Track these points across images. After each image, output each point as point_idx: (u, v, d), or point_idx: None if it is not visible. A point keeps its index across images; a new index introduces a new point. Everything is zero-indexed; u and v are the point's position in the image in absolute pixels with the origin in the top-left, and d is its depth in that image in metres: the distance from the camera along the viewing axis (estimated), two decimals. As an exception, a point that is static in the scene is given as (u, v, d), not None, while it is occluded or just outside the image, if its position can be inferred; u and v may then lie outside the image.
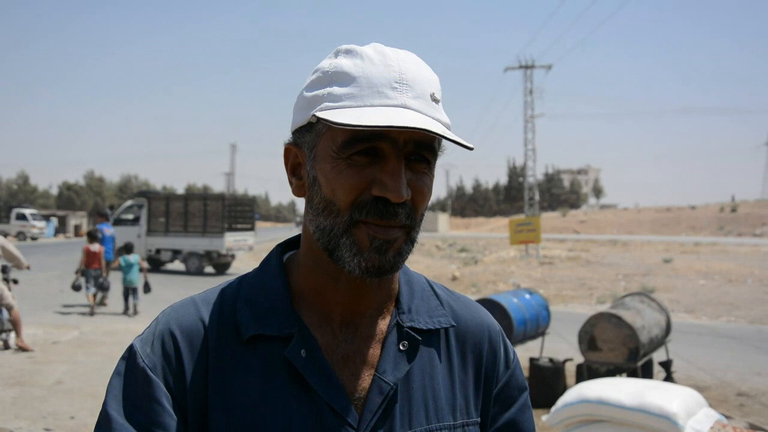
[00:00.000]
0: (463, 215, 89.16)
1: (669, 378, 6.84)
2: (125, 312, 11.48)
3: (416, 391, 0.88)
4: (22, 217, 38.55)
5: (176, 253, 20.06)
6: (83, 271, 11.23)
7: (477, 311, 1.00)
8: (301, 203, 0.96)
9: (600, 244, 37.35)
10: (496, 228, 62.41)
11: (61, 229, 46.92)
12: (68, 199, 70.26)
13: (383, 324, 0.91)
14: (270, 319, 0.86)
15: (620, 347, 5.99)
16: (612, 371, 5.96)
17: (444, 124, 0.82)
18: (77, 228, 48.27)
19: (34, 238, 38.13)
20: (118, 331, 9.59)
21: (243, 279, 0.94)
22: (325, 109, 0.80)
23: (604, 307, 10.43)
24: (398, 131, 0.79)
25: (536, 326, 8.18)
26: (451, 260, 27.45)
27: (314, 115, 0.81)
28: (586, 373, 6.06)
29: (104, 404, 0.83)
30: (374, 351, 0.88)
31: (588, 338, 6.14)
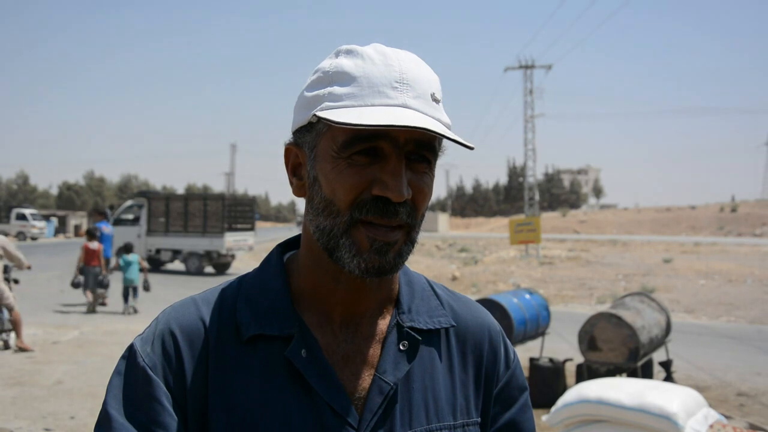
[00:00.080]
0: (463, 215, 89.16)
1: (669, 378, 6.84)
2: (125, 312, 11.50)
3: (416, 391, 0.88)
4: (22, 217, 38.56)
5: (176, 253, 20.06)
6: (82, 269, 11.27)
7: (477, 311, 1.00)
8: (301, 203, 0.96)
9: (600, 244, 37.35)
10: (496, 228, 62.40)
11: (61, 229, 46.93)
12: (68, 199, 70.28)
13: (383, 324, 0.91)
14: (270, 319, 0.86)
15: (620, 347, 5.99)
16: (612, 371, 5.96)
17: (444, 124, 0.82)
18: (77, 228, 48.23)
19: (34, 238, 38.13)
20: (118, 331, 9.59)
21: (243, 279, 0.94)
22: (325, 109, 0.80)
23: (604, 307, 10.43)
24: (399, 131, 0.79)
25: (536, 326, 8.18)
26: (451, 260, 27.46)
27: (315, 115, 0.81)
28: (586, 373, 6.06)
29: (104, 403, 0.83)
30: (374, 351, 0.88)
31: (588, 338, 6.14)
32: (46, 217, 43.90)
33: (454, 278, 19.20)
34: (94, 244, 11.40)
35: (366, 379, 0.86)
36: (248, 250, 21.69)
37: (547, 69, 36.47)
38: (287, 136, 0.91)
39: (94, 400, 5.93)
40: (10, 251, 7.92)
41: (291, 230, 56.78)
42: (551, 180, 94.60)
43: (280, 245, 0.98)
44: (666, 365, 6.97)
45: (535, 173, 35.96)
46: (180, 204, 20.11)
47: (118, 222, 20.06)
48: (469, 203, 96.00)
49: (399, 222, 0.81)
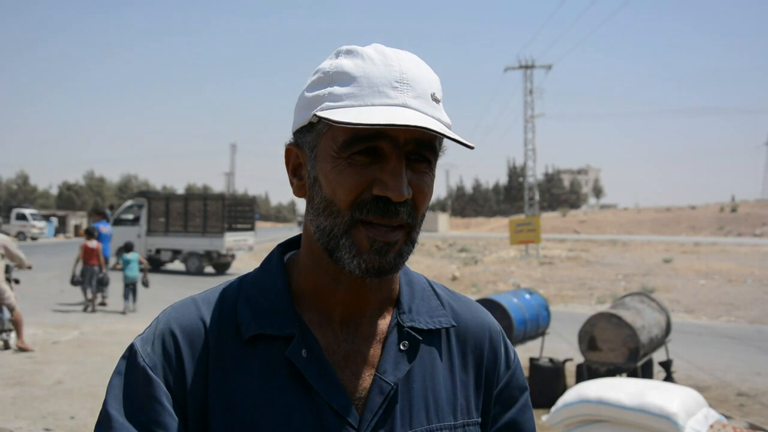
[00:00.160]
0: (463, 215, 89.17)
1: (669, 378, 6.84)
2: (125, 309, 11.55)
3: (417, 391, 0.88)
4: (22, 217, 38.52)
5: (176, 253, 20.06)
6: (83, 269, 11.33)
7: (478, 311, 1.00)
8: (301, 203, 0.96)
9: (600, 244, 37.35)
10: (496, 228, 62.40)
11: (61, 229, 46.90)
12: (68, 199, 70.26)
13: (384, 324, 0.91)
14: (271, 319, 0.86)
15: (620, 347, 5.99)
16: (612, 371, 5.96)
17: (445, 123, 0.82)
18: (77, 228, 48.21)
19: (34, 238, 38.10)
20: (118, 331, 9.59)
21: (244, 279, 0.94)
22: (325, 109, 0.80)
23: (604, 307, 10.43)
24: (398, 130, 0.79)
25: (536, 326, 8.18)
26: (451, 260, 27.46)
27: (315, 115, 0.81)
28: (586, 373, 6.06)
29: (104, 403, 0.83)
30: (375, 351, 0.88)
31: (588, 338, 6.15)
32: (46, 217, 43.88)
33: (454, 278, 19.21)
34: (93, 243, 11.47)
35: (366, 379, 0.86)
36: (248, 250, 21.69)
37: (547, 69, 36.48)
38: (287, 136, 0.92)
39: (94, 400, 5.93)
40: (12, 250, 7.92)
41: (291, 230, 56.77)
42: (551, 180, 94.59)
43: (280, 245, 0.98)
44: (666, 365, 6.97)
45: (535, 173, 35.97)
46: (180, 204, 20.11)
47: (118, 222, 20.08)
48: (469, 203, 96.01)
49: (399, 222, 0.81)
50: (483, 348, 0.97)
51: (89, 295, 11.58)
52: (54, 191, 76.22)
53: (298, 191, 0.90)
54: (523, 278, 19.13)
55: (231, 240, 19.66)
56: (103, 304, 12.20)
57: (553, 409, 3.96)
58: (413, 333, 0.90)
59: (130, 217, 20.54)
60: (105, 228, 12.78)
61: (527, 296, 8.46)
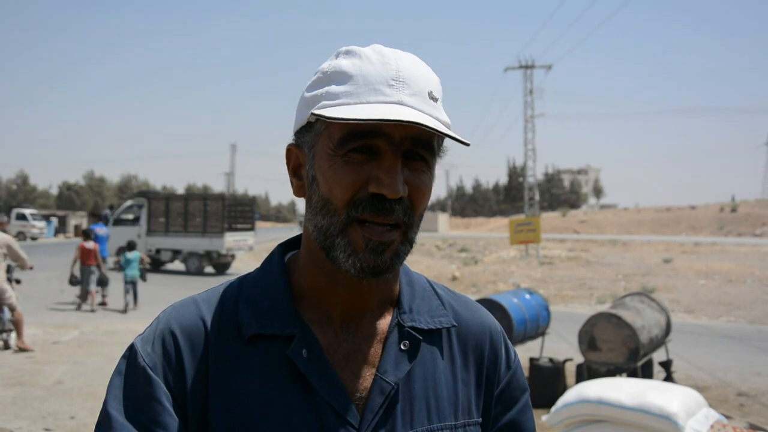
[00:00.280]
0: (463, 215, 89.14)
1: (669, 378, 6.84)
2: (125, 307, 11.62)
3: (418, 390, 0.88)
4: (22, 217, 38.49)
5: (176, 253, 20.07)
6: (81, 269, 11.40)
7: (478, 311, 1.00)
8: (301, 203, 0.97)
9: (600, 244, 37.35)
10: (496, 228, 62.39)
11: (61, 229, 46.89)
12: (68, 199, 70.25)
13: (384, 324, 0.91)
14: (271, 319, 0.86)
15: (620, 347, 5.99)
16: (612, 371, 5.96)
17: (443, 122, 0.82)
18: (77, 228, 48.21)
19: (34, 238, 38.09)
20: (118, 331, 9.59)
21: (244, 279, 0.94)
22: (322, 107, 0.80)
23: (604, 307, 10.43)
24: (394, 128, 0.79)
25: (536, 326, 8.19)
26: (451, 260, 27.46)
27: (312, 114, 0.81)
28: (586, 373, 6.06)
29: (105, 403, 0.83)
30: (375, 351, 0.88)
31: (588, 338, 6.15)
32: (46, 217, 43.86)
33: (454, 278, 19.20)
34: (90, 244, 11.60)
35: (367, 379, 0.86)
36: (248, 250, 21.69)
37: (547, 69, 36.50)
38: (287, 136, 0.92)
39: (94, 400, 5.93)
40: (15, 250, 7.91)
41: (291, 230, 56.73)
42: (551, 180, 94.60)
43: (281, 245, 0.98)
44: (666, 365, 6.97)
45: (535, 173, 35.97)
46: (180, 204, 20.11)
47: (118, 222, 20.11)
48: (469, 203, 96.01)
49: (395, 220, 0.81)
50: (484, 348, 0.97)
51: (85, 294, 11.64)
52: (54, 191, 76.30)
53: (298, 191, 0.90)
54: (523, 278, 19.13)
55: (231, 240, 19.66)
56: (103, 303, 12.23)
57: (553, 409, 3.96)
58: (414, 333, 0.90)
59: (130, 217, 20.55)
60: (101, 230, 12.93)
61: (527, 296, 8.47)
